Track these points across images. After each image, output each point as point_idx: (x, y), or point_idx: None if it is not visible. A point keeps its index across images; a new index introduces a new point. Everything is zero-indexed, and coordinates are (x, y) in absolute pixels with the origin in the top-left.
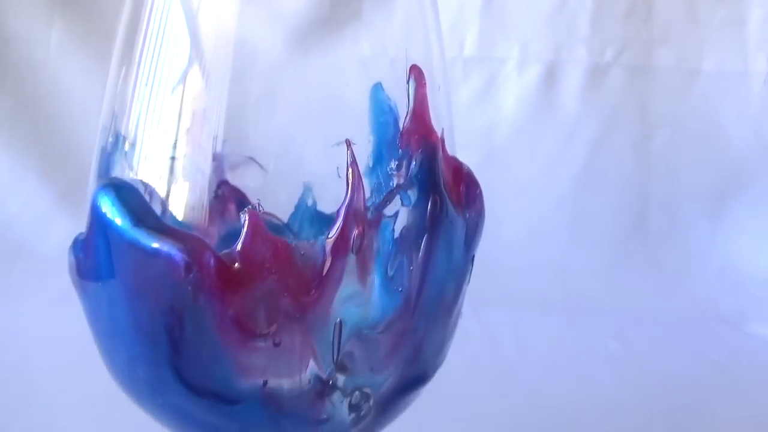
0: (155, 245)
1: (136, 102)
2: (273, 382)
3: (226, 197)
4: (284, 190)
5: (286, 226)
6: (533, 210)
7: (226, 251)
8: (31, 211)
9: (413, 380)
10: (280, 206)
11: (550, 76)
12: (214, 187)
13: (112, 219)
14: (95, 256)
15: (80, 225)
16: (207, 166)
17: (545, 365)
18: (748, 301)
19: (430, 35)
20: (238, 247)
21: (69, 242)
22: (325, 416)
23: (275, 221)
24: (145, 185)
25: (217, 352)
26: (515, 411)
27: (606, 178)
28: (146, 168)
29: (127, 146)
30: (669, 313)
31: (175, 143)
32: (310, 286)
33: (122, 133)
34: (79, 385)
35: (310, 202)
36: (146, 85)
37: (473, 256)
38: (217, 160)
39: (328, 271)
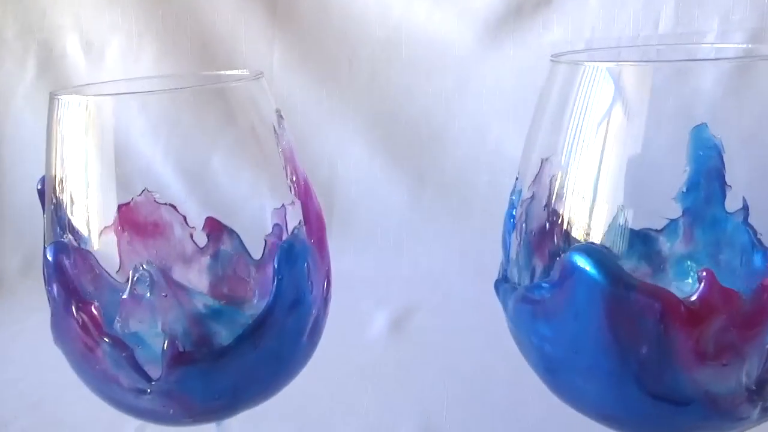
0: (636, 297)
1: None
2: (712, 390)
3: None
4: None
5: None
6: None
7: (688, 299)
8: None
9: None
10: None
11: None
12: None
13: (592, 276)
14: (566, 300)
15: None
16: None
17: None
18: None
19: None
20: (697, 297)
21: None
22: (746, 415)
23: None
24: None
25: (676, 370)
26: None
27: None
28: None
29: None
30: None
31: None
32: (752, 323)
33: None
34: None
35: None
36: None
37: None
38: None
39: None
